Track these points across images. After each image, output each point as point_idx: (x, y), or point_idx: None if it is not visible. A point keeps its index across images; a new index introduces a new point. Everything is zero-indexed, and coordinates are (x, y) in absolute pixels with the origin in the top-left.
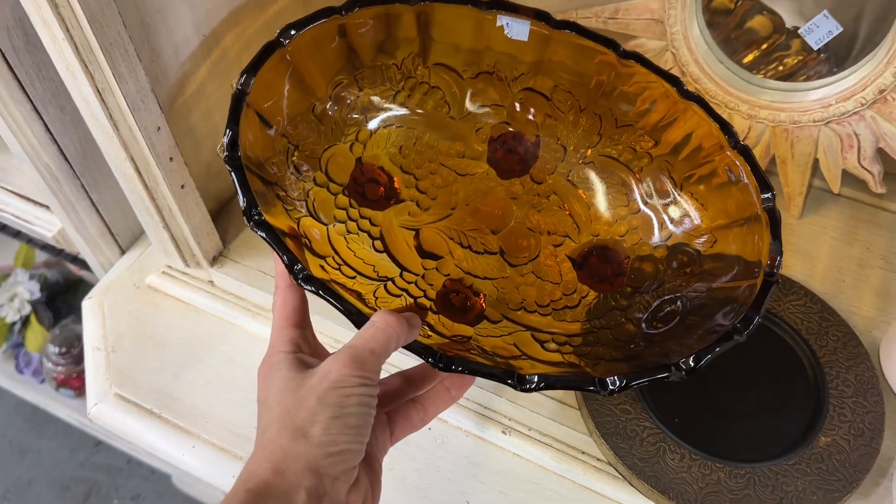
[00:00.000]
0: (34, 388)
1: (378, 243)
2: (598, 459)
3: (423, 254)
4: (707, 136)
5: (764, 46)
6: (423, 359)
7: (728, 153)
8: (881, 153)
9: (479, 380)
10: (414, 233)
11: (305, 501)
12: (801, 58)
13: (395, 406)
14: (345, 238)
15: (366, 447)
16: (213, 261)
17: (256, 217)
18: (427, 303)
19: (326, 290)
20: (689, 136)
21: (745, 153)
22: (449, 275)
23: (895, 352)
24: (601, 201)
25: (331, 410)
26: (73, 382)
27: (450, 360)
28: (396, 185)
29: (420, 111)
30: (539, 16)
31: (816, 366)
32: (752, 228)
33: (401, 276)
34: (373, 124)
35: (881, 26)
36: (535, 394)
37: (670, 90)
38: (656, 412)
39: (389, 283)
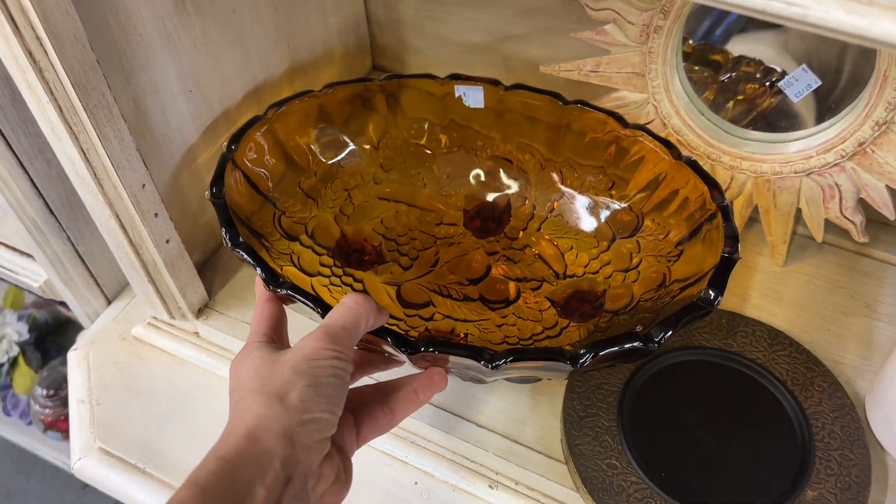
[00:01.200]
0: (21, 431)
1: None
2: None
3: (405, 304)
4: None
5: (741, 97)
6: (395, 346)
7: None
8: (863, 203)
9: (464, 432)
10: (396, 288)
11: (279, 469)
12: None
13: (363, 409)
14: (328, 288)
15: (334, 440)
16: (199, 313)
17: (235, 240)
18: (411, 339)
19: (302, 292)
20: (657, 179)
21: (692, 164)
22: (431, 318)
23: (880, 403)
24: (572, 247)
25: (306, 379)
26: (61, 425)
27: (420, 343)
28: (380, 251)
29: (397, 185)
30: (491, 83)
31: (802, 417)
32: (710, 234)
33: None
34: (355, 197)
35: (859, 79)
36: (521, 448)
37: (616, 127)
38: (643, 466)
39: None
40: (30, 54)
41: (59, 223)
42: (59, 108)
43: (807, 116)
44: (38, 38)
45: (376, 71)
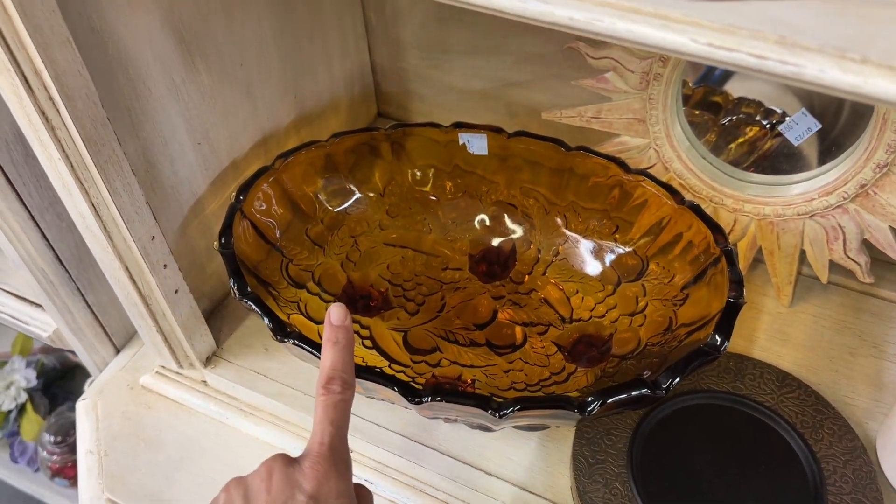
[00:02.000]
0: (29, 478)
1: (367, 341)
2: None
3: (412, 350)
4: (659, 205)
5: (742, 140)
6: (401, 394)
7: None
8: (867, 244)
9: (473, 480)
10: (403, 334)
11: None
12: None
13: None
14: None
15: None
16: (207, 361)
17: (243, 290)
18: (417, 388)
19: (309, 342)
20: (661, 223)
21: (695, 208)
22: (438, 364)
23: (893, 446)
24: (578, 291)
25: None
26: (68, 472)
27: (426, 392)
28: (386, 297)
29: (403, 231)
30: (494, 130)
31: (813, 461)
32: (715, 278)
33: (389, 366)
34: (361, 244)
35: (860, 122)
36: (531, 496)
37: (619, 172)
38: None
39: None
40: (42, 114)
41: (69, 274)
42: (71, 164)
43: (808, 158)
44: (50, 98)
45: (381, 118)
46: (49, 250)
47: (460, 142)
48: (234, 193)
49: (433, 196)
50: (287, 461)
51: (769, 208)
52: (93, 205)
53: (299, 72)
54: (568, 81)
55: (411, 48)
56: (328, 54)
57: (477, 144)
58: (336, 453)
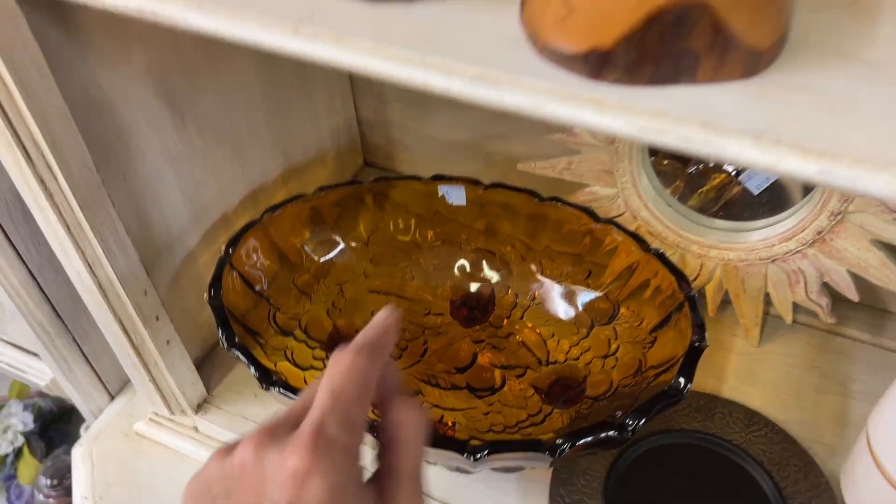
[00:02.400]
0: None
1: None
2: None
3: None
4: (628, 251)
5: (708, 188)
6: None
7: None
8: (827, 286)
9: None
10: None
11: None
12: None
13: None
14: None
15: None
16: (198, 408)
17: (231, 340)
18: None
19: (294, 390)
20: (630, 268)
21: (660, 256)
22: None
23: (856, 483)
24: (554, 334)
25: None
26: None
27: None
28: None
29: (387, 278)
30: (472, 182)
31: (780, 498)
32: (680, 322)
33: (373, 411)
34: (346, 292)
35: None
36: None
37: (589, 221)
38: None
39: None
40: (41, 181)
41: (65, 325)
42: (67, 226)
43: (769, 206)
44: (48, 166)
45: (368, 167)
46: (46, 303)
47: (440, 193)
48: (223, 246)
49: (415, 244)
50: (267, 445)
51: (733, 253)
52: (88, 264)
53: (287, 128)
54: (542, 134)
55: (395, 102)
56: (315, 110)
57: (456, 196)
58: (328, 439)
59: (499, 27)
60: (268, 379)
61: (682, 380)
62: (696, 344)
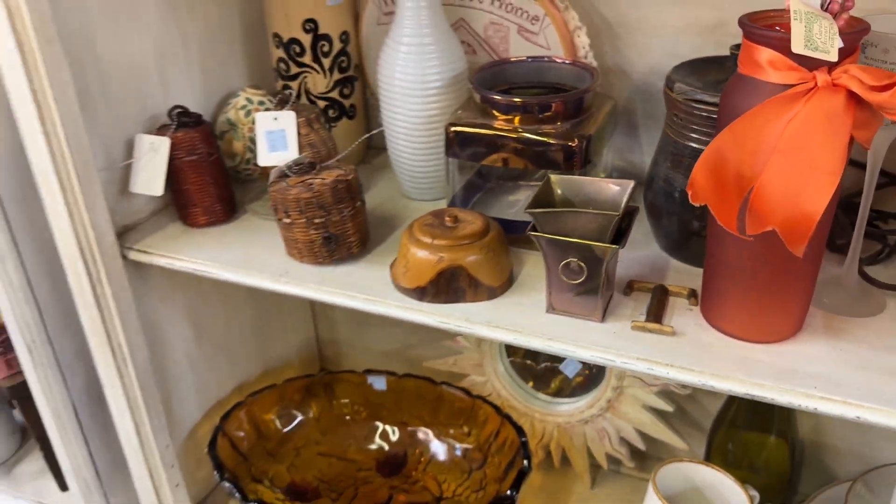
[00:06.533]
0: None
1: None
2: None
3: None
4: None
5: (547, 377)
6: None
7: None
8: (624, 440)
9: None
10: None
11: None
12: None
13: None
14: None
15: None
16: None
17: (222, 476)
18: None
19: None
20: (495, 431)
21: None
22: None
23: None
24: (446, 479)
25: None
26: None
27: None
28: (318, 491)
29: (332, 445)
30: (390, 373)
31: None
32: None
33: None
34: (302, 454)
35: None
36: None
37: (468, 398)
38: None
39: None
40: (119, 371)
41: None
42: (129, 399)
43: (583, 386)
44: (125, 361)
45: (323, 366)
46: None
47: (368, 381)
48: (218, 419)
49: (351, 419)
50: None
51: (562, 418)
52: (137, 428)
53: (266, 341)
54: (440, 343)
55: (343, 324)
56: (285, 329)
57: (379, 383)
58: None
59: (379, 276)
60: (244, 498)
61: (514, 493)
62: (523, 470)
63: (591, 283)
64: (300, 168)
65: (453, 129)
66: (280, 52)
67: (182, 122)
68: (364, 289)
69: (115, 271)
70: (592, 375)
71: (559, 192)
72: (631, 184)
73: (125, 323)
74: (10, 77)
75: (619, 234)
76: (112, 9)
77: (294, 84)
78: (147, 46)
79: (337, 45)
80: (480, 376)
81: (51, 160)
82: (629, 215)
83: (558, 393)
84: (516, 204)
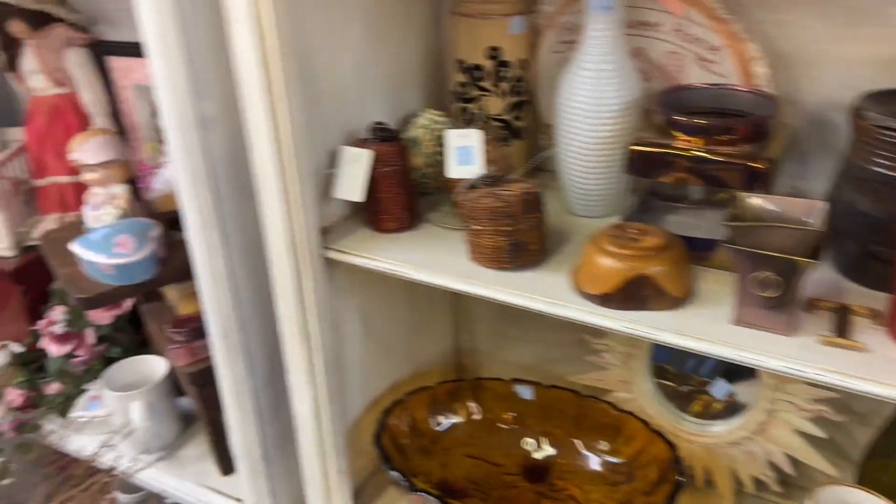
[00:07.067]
0: None
1: None
2: None
3: None
4: (641, 435)
5: (695, 397)
6: None
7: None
8: (771, 464)
9: None
10: None
11: None
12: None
13: None
14: None
15: None
16: None
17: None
18: None
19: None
20: (643, 445)
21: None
22: None
23: None
24: (593, 490)
25: None
26: None
27: None
28: (467, 492)
29: (480, 448)
30: (536, 384)
31: None
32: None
33: None
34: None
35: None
36: None
37: (614, 412)
38: None
39: None
40: (314, 387)
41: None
42: (316, 399)
43: (727, 411)
44: (315, 371)
45: (460, 375)
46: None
47: (516, 390)
48: (380, 415)
49: (499, 425)
50: None
51: (710, 440)
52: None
53: (415, 347)
54: (582, 359)
55: (484, 336)
56: (431, 338)
57: (526, 392)
58: None
59: (558, 282)
60: (412, 487)
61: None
62: (678, 484)
63: (783, 297)
64: (488, 181)
65: (636, 148)
66: (462, 77)
67: (382, 136)
68: (545, 293)
69: (316, 268)
70: (734, 401)
71: (749, 209)
72: (823, 203)
73: (320, 315)
74: (249, 89)
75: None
76: (326, 32)
77: (471, 106)
78: (349, 66)
79: (516, 71)
80: (627, 393)
81: (277, 165)
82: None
83: (700, 416)
84: (689, 222)
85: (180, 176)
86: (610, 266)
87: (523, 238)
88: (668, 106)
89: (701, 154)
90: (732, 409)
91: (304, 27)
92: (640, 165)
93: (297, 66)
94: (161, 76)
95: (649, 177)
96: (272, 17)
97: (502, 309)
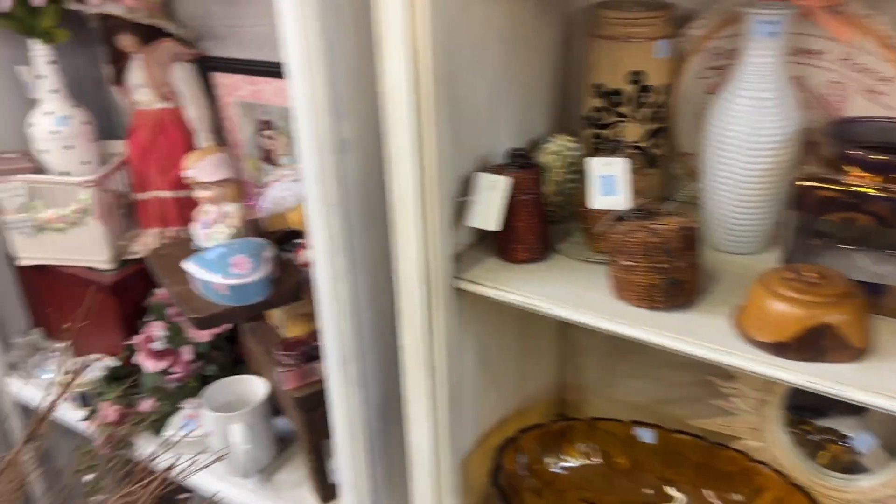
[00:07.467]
0: None
1: None
2: None
3: None
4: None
5: (826, 451)
6: None
7: None
8: None
9: None
10: None
11: None
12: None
13: None
14: None
15: None
16: None
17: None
18: None
19: None
20: (778, 498)
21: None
22: None
23: None
24: None
25: None
26: None
27: None
28: None
29: (594, 492)
30: (657, 427)
31: None
32: None
33: None
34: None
35: None
36: None
37: (744, 461)
38: None
39: None
40: (432, 399)
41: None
42: (437, 420)
43: (871, 464)
44: (437, 388)
45: (562, 411)
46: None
47: (634, 432)
48: (496, 453)
49: (614, 470)
50: None
51: (850, 495)
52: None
53: (521, 381)
54: (703, 401)
55: (591, 370)
56: (536, 372)
57: (647, 436)
58: None
59: (716, 324)
60: None
61: None
62: None
63: None
64: (639, 213)
65: (804, 183)
66: (598, 102)
67: (520, 163)
68: (708, 338)
69: (446, 297)
70: (886, 455)
71: None
72: None
73: (448, 346)
74: (397, 112)
75: None
76: (470, 54)
77: (606, 132)
78: (485, 90)
79: (658, 97)
80: (758, 441)
81: (419, 190)
82: None
83: (828, 468)
84: (858, 265)
85: (312, 199)
86: (787, 312)
87: (680, 276)
88: (838, 138)
89: (879, 193)
90: (861, 464)
91: (451, 50)
92: (808, 202)
93: (446, 90)
94: (302, 98)
95: (817, 214)
96: (429, 38)
97: (613, 342)
